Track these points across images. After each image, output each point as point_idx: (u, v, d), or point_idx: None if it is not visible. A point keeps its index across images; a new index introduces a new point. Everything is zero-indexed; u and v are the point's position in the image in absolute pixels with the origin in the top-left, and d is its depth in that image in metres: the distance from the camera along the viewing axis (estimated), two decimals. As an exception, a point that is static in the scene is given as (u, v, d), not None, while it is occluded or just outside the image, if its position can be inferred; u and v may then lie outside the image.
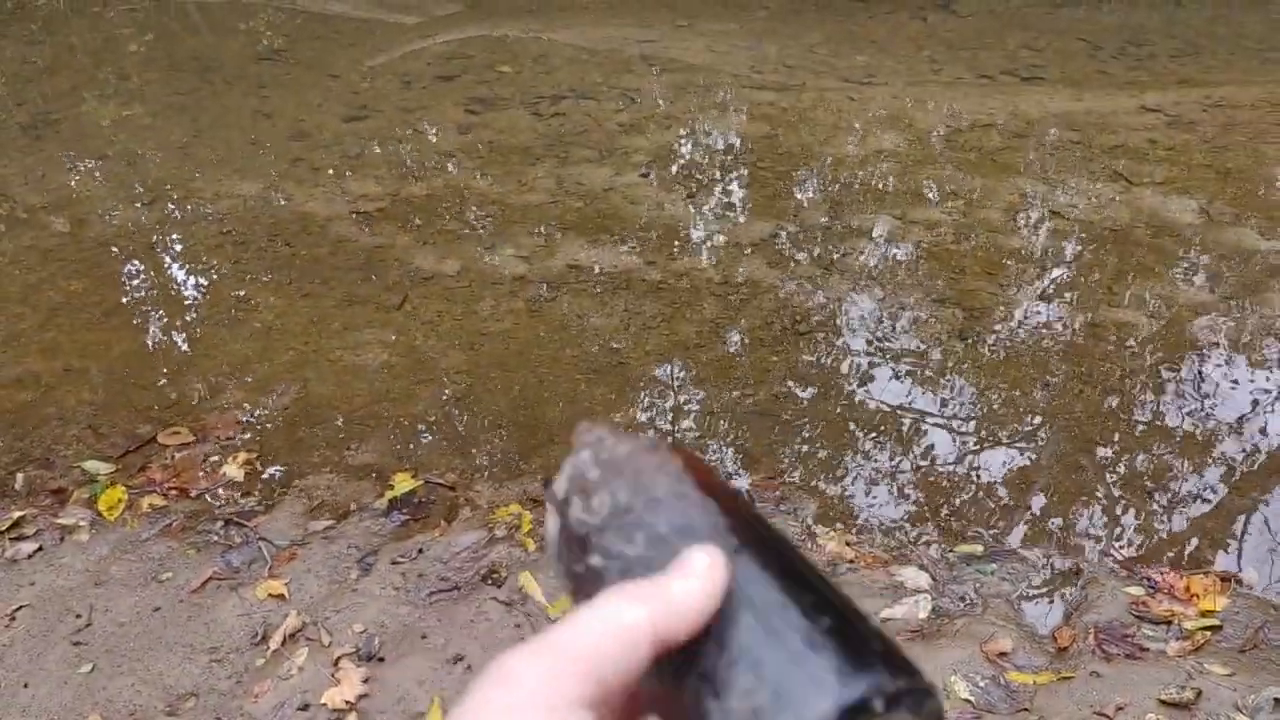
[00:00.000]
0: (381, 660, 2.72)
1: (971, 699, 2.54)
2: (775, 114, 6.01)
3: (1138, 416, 3.56)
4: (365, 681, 2.65)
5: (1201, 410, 3.58)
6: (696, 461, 0.59)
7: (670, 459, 0.58)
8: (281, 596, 2.94)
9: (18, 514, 3.29)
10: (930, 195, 5.00)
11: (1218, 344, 3.90)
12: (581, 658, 0.47)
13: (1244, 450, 3.41)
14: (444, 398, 3.77)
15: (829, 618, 0.47)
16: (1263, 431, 3.48)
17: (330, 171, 5.55)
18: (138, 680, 2.70)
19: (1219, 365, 3.79)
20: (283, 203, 5.24)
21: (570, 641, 0.47)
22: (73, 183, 5.68)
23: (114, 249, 4.94)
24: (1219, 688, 2.54)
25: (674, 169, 5.48)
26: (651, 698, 0.50)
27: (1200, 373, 3.75)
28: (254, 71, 7.25)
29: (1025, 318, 4.08)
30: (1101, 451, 3.41)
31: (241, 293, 4.49)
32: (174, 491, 3.38)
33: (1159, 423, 3.53)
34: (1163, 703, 2.50)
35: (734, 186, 5.28)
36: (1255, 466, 3.34)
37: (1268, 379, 3.72)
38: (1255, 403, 3.60)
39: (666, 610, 0.48)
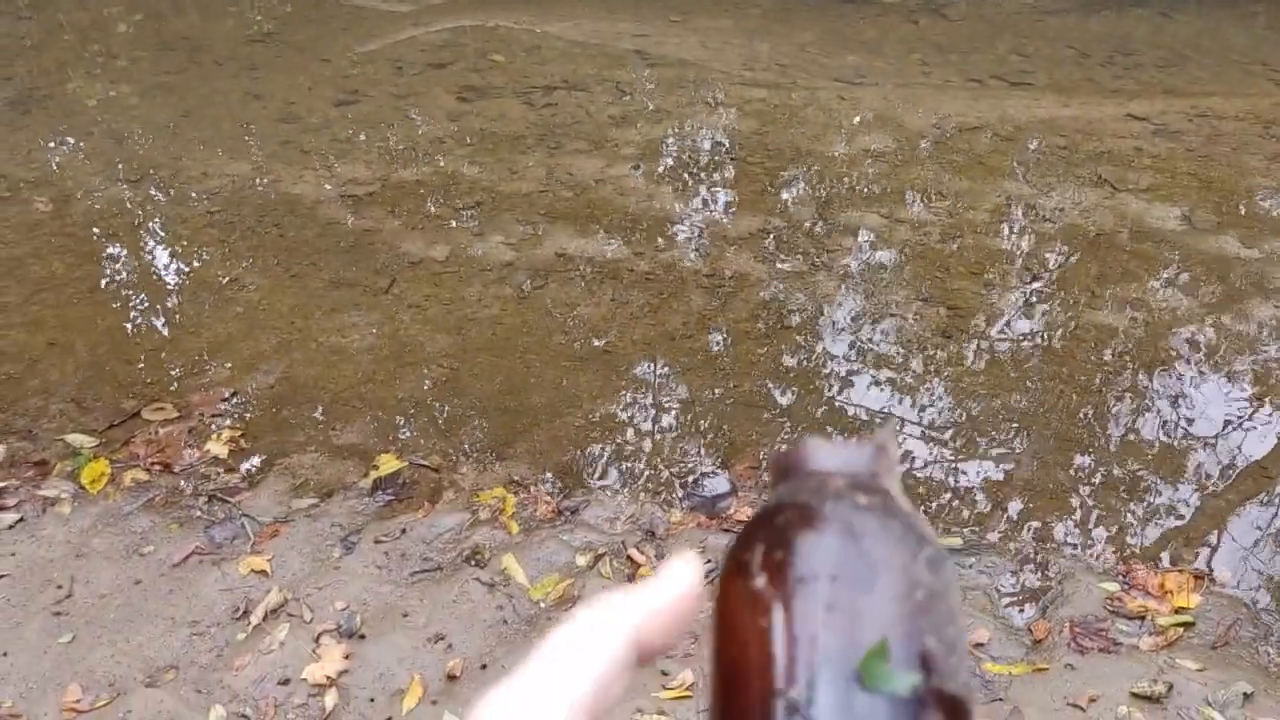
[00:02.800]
0: (363, 637, 2.73)
1: (947, 688, 2.57)
2: (766, 111, 6.04)
3: (1117, 418, 3.60)
4: (346, 658, 2.66)
5: (1179, 414, 3.62)
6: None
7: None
8: (264, 572, 2.94)
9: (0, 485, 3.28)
10: (918, 196, 5.03)
11: (1197, 349, 3.94)
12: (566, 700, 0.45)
13: (1220, 453, 3.45)
14: (429, 381, 3.78)
15: None
16: (1238, 435, 3.52)
17: (320, 155, 5.55)
18: (118, 651, 2.70)
19: (1198, 370, 3.83)
20: (271, 185, 5.24)
21: (552, 684, 0.45)
22: (59, 160, 5.66)
23: (100, 226, 4.92)
24: (1190, 682, 2.57)
25: (664, 162, 5.50)
26: None
27: (1180, 377, 3.80)
28: (244, 53, 7.23)
29: (1009, 318, 4.12)
30: (1081, 451, 3.45)
31: (228, 273, 4.48)
32: (157, 466, 3.38)
33: (1138, 425, 3.57)
34: (1135, 695, 2.54)
35: (723, 181, 5.31)
36: (1231, 469, 3.38)
37: (1245, 385, 3.77)
38: (1231, 407, 3.65)
39: (648, 627, 0.47)
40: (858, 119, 5.94)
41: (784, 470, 0.49)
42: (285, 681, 2.60)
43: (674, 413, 3.63)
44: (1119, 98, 6.16)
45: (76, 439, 3.49)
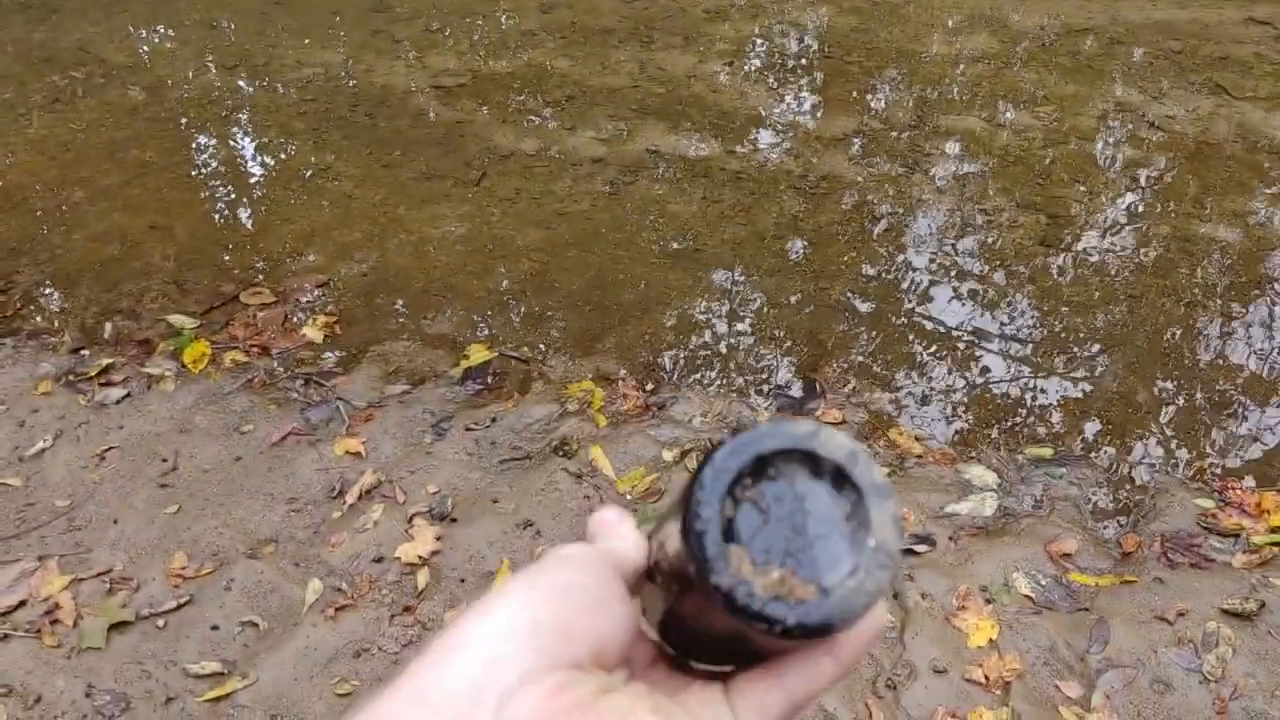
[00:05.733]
0: (454, 520, 2.80)
1: (1032, 596, 2.57)
2: (865, 8, 5.86)
3: (1219, 332, 3.50)
4: (438, 539, 2.73)
5: (1286, 331, 3.51)
6: None
7: None
8: (358, 454, 3.02)
9: (106, 361, 3.39)
10: (1021, 99, 4.87)
11: (1309, 265, 3.80)
12: (552, 630, 0.46)
13: (1328, 373, 3.34)
14: (519, 274, 3.80)
15: None
16: (1349, 355, 3.40)
17: (411, 45, 5.52)
18: (220, 524, 2.80)
19: (1309, 286, 3.70)
20: (363, 74, 5.24)
21: (541, 618, 0.46)
22: (155, 46, 5.71)
23: (196, 112, 4.98)
24: (1283, 602, 2.54)
25: (758, 60, 5.39)
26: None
27: (1288, 293, 3.67)
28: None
29: (1110, 227, 3.99)
30: (1179, 364, 3.36)
31: (321, 162, 4.52)
32: (255, 349, 3.46)
33: (1240, 340, 3.47)
34: (1225, 612, 2.51)
35: (819, 80, 5.18)
36: (1338, 389, 3.28)
37: (1359, 303, 3.63)
38: (1344, 326, 3.52)
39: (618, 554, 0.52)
40: (961, 18, 5.74)
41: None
42: (379, 559, 2.68)
43: (762, 314, 3.61)
44: (1240, 0, 5.86)
45: (178, 319, 3.59)
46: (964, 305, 3.64)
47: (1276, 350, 3.43)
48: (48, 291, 3.80)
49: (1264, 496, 2.85)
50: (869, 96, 4.98)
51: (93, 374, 3.33)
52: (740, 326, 3.56)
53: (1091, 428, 3.14)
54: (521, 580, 0.47)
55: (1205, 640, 2.45)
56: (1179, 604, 2.53)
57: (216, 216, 4.21)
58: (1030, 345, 3.47)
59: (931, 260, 3.85)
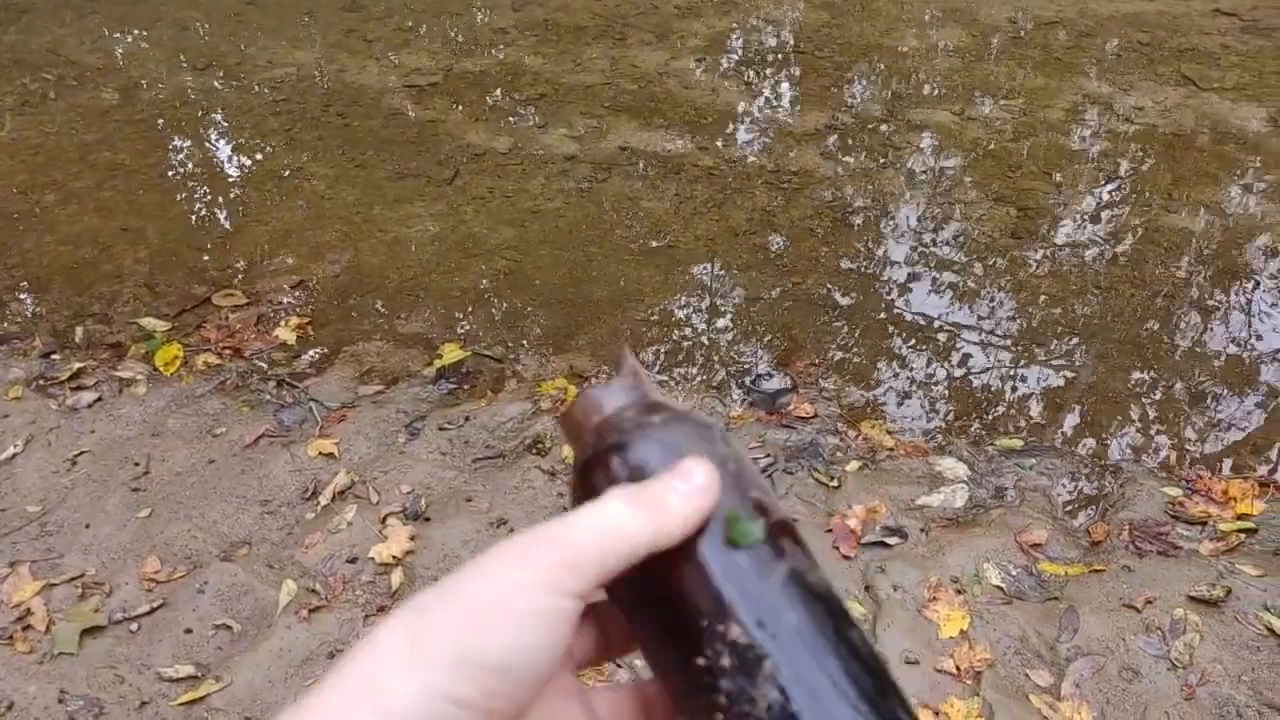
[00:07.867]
0: (427, 520, 2.80)
1: (1002, 586, 2.59)
2: (837, 3, 5.88)
3: (1187, 323, 3.53)
4: (412, 539, 2.73)
5: (1252, 320, 3.54)
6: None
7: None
8: (332, 455, 3.02)
9: (77, 365, 3.38)
10: (991, 93, 4.90)
11: (1275, 255, 3.83)
12: (581, 554, 0.45)
13: (1294, 361, 3.38)
14: (493, 273, 3.80)
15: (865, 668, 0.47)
16: (1315, 343, 3.44)
17: (383, 44, 5.51)
18: (193, 526, 2.80)
19: (1274, 276, 3.73)
20: (335, 74, 5.22)
21: (571, 537, 0.46)
22: (127, 48, 5.68)
23: (169, 114, 4.96)
24: (1249, 588, 2.56)
25: (730, 55, 5.40)
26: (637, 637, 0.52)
27: (1255, 283, 3.70)
28: (308, -60, 7.14)
29: (1080, 219, 4.02)
30: (1148, 357, 3.39)
31: (294, 163, 4.51)
32: (228, 351, 3.46)
33: (1208, 330, 3.50)
34: (1192, 599, 2.53)
35: (791, 75, 5.20)
36: (1304, 377, 3.32)
37: (1324, 291, 3.66)
38: (1309, 314, 3.56)
39: (664, 519, 0.48)
40: (931, 13, 5.76)
41: (579, 426, 0.57)
42: (353, 560, 2.68)
43: (735, 309, 3.63)
44: (1207, -8, 5.90)
45: (150, 323, 3.58)
46: (936, 298, 3.67)
47: (1244, 340, 3.46)
48: (18, 295, 3.78)
49: (1230, 484, 2.88)
50: (841, 91, 5.00)
51: (64, 378, 3.32)
52: (714, 322, 3.57)
53: (1061, 419, 3.16)
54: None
55: (1173, 627, 2.48)
56: (1147, 592, 2.56)
57: (189, 218, 4.20)
58: (1001, 337, 3.49)
59: (904, 254, 3.88)
